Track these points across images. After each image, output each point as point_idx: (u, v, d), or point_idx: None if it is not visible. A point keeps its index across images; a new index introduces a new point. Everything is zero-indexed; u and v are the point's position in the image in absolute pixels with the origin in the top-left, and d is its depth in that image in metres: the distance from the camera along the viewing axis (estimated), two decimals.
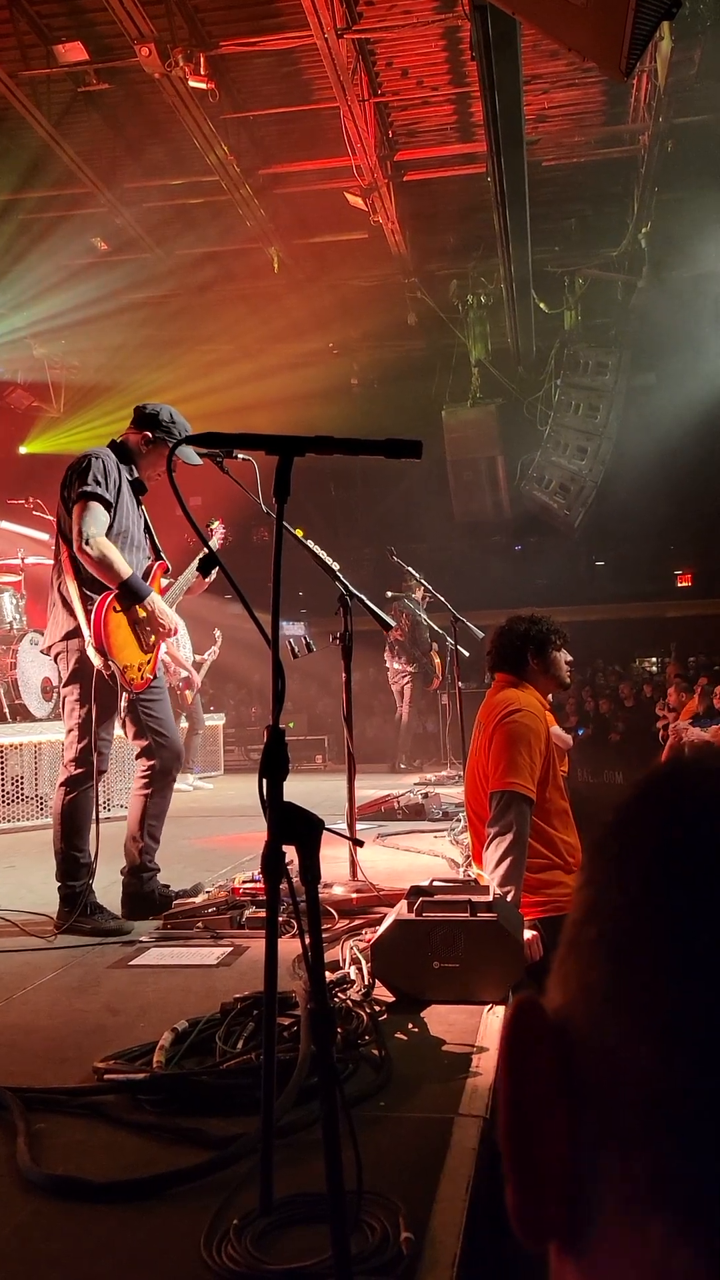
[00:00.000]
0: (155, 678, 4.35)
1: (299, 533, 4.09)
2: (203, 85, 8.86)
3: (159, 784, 4.37)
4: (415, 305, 13.46)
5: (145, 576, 4.37)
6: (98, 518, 4.08)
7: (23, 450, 15.29)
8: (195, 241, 12.02)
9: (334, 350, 14.91)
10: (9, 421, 15.52)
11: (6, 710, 8.03)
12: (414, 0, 8.50)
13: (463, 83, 9.62)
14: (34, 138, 9.93)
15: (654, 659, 18.71)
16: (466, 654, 8.13)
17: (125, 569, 4.10)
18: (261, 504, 3.14)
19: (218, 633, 11.40)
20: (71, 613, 4.15)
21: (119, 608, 4.12)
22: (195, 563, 4.56)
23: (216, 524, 4.79)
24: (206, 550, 2.26)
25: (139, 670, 4.20)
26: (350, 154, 9.90)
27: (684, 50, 8.73)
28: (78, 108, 9.90)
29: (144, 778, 4.37)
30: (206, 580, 4.58)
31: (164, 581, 4.56)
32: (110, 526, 4.17)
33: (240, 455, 2.99)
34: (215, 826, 7.36)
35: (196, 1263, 1.62)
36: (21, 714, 8.06)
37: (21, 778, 7.68)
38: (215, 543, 4.70)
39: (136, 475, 4.38)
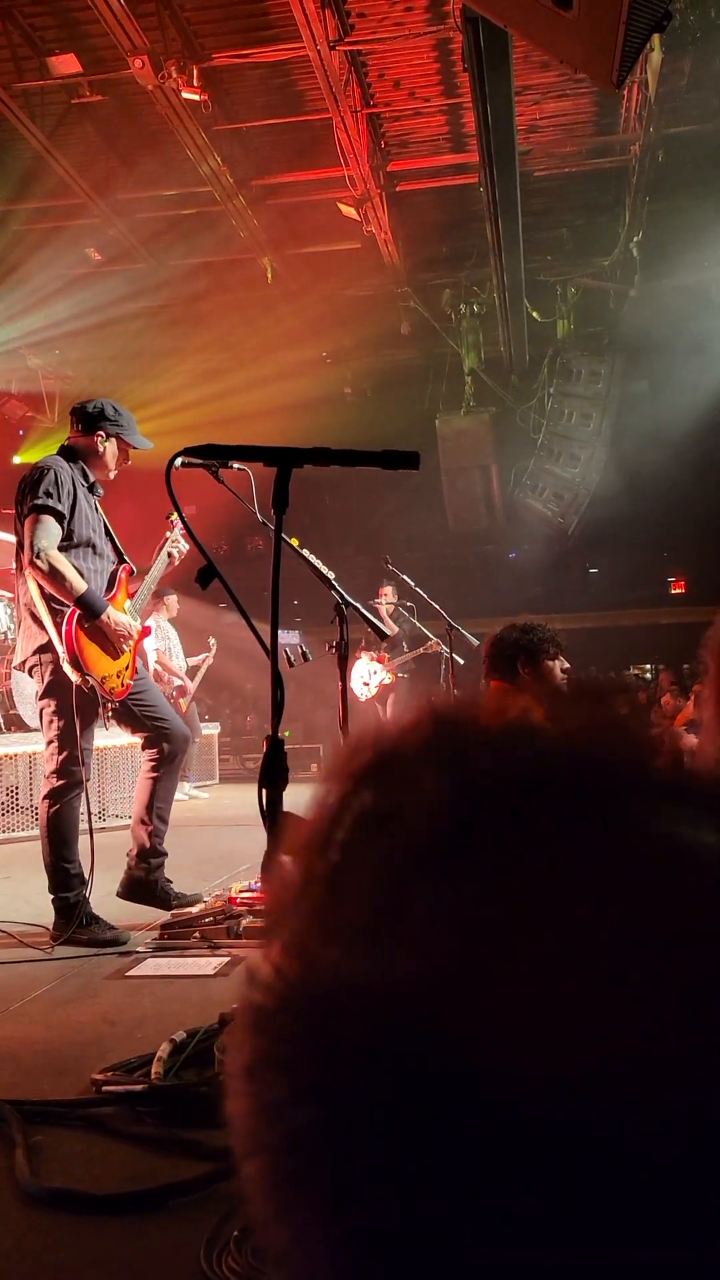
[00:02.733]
0: (136, 677, 4.34)
1: (294, 542, 4.08)
2: (196, 97, 8.89)
3: (167, 767, 4.37)
4: (408, 314, 13.49)
5: (111, 582, 4.33)
6: (49, 531, 4.04)
7: (17, 460, 15.28)
8: (189, 252, 12.04)
9: (327, 359, 14.93)
10: (2, 431, 15.52)
11: (1, 720, 8.02)
12: (406, 13, 8.54)
13: (454, 94, 9.66)
14: (28, 149, 9.96)
15: (647, 666, 18.75)
16: (461, 661, 8.13)
17: (79, 585, 4.04)
18: (257, 514, 3.14)
19: (212, 641, 11.41)
20: (41, 626, 4.12)
21: (88, 621, 4.11)
22: (160, 559, 4.54)
23: (174, 516, 4.66)
24: (206, 562, 2.27)
25: (118, 678, 4.18)
26: (343, 165, 9.93)
27: (674, 61, 8.78)
28: (71, 119, 9.92)
29: (152, 762, 4.36)
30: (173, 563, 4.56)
31: (129, 587, 4.52)
32: (70, 538, 4.14)
33: (235, 465, 2.99)
34: (211, 835, 7.35)
35: (196, 1274, 1.61)
36: (16, 724, 8.04)
37: (16, 788, 7.67)
38: (178, 537, 4.63)
39: (93, 479, 4.35)
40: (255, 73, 9.42)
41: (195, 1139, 2.10)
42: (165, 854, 4.38)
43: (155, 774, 4.35)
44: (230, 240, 11.71)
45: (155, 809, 4.33)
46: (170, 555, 4.52)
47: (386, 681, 10.95)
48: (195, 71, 8.77)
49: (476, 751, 0.34)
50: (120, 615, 4.21)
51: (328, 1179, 0.30)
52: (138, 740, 4.49)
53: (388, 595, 10.83)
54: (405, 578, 8.23)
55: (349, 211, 10.78)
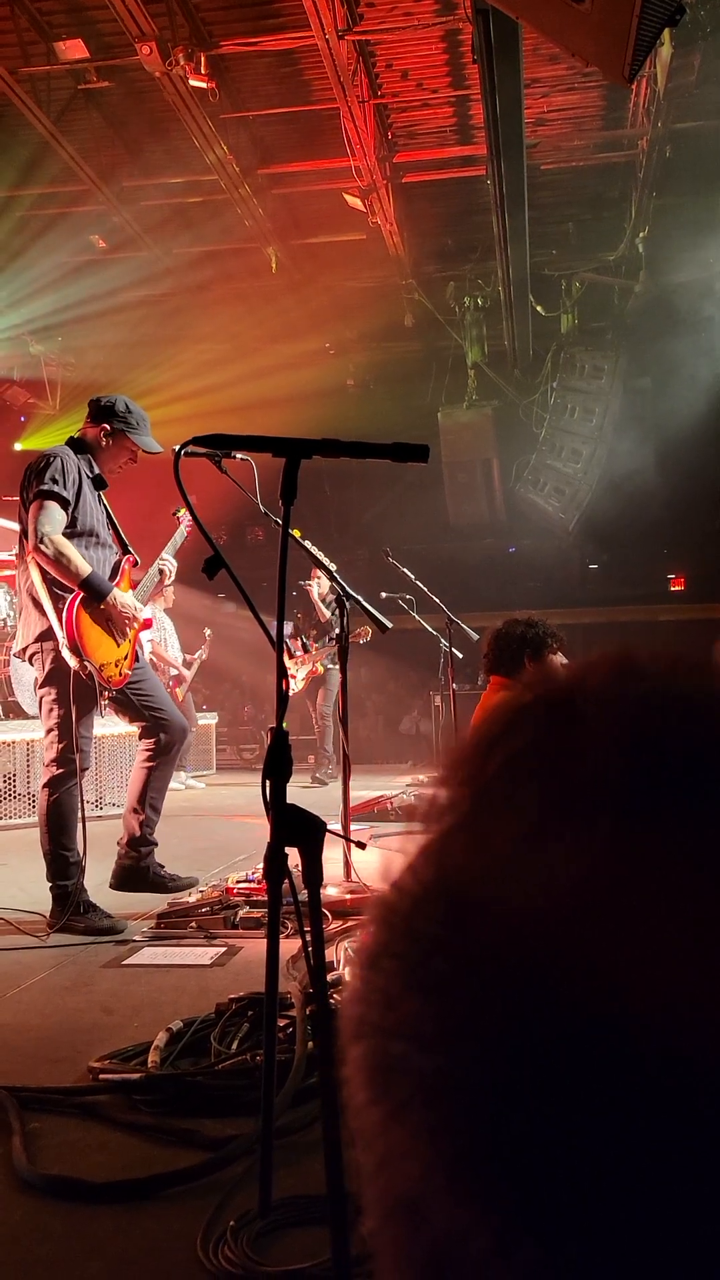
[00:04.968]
0: (135, 667, 4.35)
1: (296, 533, 4.08)
2: (203, 84, 8.84)
3: (163, 758, 4.39)
4: (412, 307, 13.45)
5: (114, 572, 4.34)
6: (53, 516, 4.06)
7: (18, 447, 15.25)
8: (193, 240, 12.00)
9: (330, 351, 14.89)
10: (4, 418, 15.49)
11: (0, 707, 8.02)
12: (415, 3, 8.51)
13: (462, 85, 9.62)
14: (34, 134, 9.92)
15: None
16: (460, 655, 8.12)
17: (84, 567, 4.06)
18: (259, 504, 3.13)
19: (207, 632, 11.39)
20: (43, 613, 4.12)
21: (94, 603, 4.11)
22: (151, 572, 4.55)
23: (182, 512, 4.62)
24: (214, 553, 2.27)
25: (116, 667, 4.19)
26: (349, 155, 9.89)
27: (683, 56, 8.75)
28: (78, 105, 9.87)
29: (148, 751, 4.39)
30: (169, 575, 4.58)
31: (135, 575, 4.52)
32: (74, 525, 4.15)
33: (238, 455, 2.97)
34: (208, 825, 7.35)
35: (193, 1264, 1.62)
36: (14, 711, 8.04)
37: (14, 775, 7.67)
38: (183, 531, 4.66)
39: (97, 471, 4.35)
40: (263, 61, 9.38)
41: (192, 1128, 2.10)
42: (155, 843, 4.40)
43: (151, 764, 4.36)
44: (235, 229, 11.67)
45: (148, 798, 4.35)
46: (161, 572, 4.54)
47: (315, 672, 10.66)
48: (203, 59, 8.73)
49: (657, 700, 0.34)
50: (126, 596, 4.23)
51: (431, 1066, 0.31)
52: (135, 729, 4.50)
53: (321, 578, 9.93)
54: (405, 570, 8.20)
55: (354, 202, 10.75)
